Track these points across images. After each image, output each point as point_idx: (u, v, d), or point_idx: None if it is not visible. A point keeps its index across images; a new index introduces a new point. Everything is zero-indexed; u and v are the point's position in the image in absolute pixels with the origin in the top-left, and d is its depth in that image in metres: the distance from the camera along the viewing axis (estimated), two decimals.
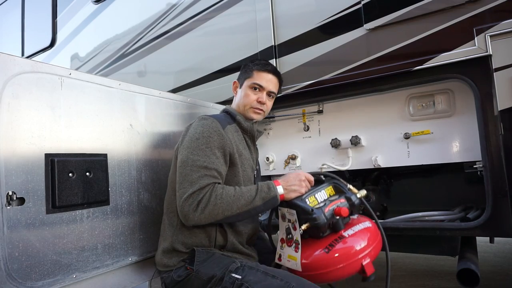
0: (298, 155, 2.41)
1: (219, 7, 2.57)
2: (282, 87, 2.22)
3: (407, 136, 2.01)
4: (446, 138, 1.93)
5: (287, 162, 2.44)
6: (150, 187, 1.71)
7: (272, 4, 2.34)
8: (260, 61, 1.77)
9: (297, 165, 2.41)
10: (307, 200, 1.42)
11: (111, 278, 1.51)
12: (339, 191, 1.52)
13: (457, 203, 2.13)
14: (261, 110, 1.72)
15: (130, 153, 1.63)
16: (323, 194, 1.49)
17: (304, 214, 1.38)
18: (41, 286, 1.22)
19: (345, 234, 1.41)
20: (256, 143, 1.82)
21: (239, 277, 1.31)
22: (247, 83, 1.72)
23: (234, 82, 1.82)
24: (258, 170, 1.85)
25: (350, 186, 1.54)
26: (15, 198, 1.17)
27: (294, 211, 1.42)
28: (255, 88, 1.70)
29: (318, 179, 1.57)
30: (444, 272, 2.99)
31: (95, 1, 3.36)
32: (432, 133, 1.95)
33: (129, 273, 1.60)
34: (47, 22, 3.79)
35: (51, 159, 1.29)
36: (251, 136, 1.73)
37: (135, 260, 1.60)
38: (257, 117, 1.72)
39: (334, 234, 1.42)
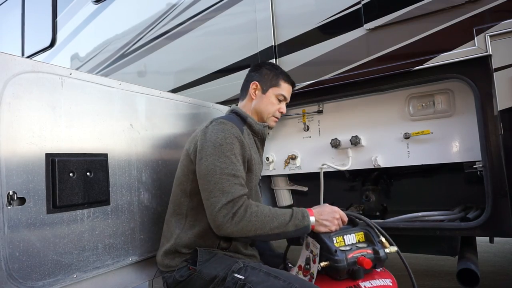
0: (298, 155, 2.42)
1: (219, 7, 2.57)
2: None
3: (407, 136, 2.02)
4: (446, 138, 1.93)
5: (287, 162, 2.44)
6: (151, 187, 1.71)
7: (272, 4, 2.34)
8: (283, 70, 1.81)
9: (297, 165, 2.41)
10: (334, 239, 1.40)
11: (111, 278, 1.51)
12: (369, 240, 1.46)
13: (457, 203, 2.13)
14: (278, 118, 1.79)
15: (130, 153, 1.63)
16: (352, 237, 1.45)
17: (327, 252, 1.36)
18: (42, 286, 1.22)
19: (362, 285, 1.36)
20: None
21: (242, 277, 1.31)
22: (273, 91, 1.73)
23: (255, 83, 1.74)
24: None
25: (382, 239, 1.45)
26: (15, 198, 1.17)
27: (319, 246, 1.40)
28: (280, 99, 1.75)
29: (352, 220, 1.54)
30: (444, 272, 2.99)
31: (95, 1, 3.36)
32: (432, 133, 1.95)
33: (130, 273, 1.60)
34: (47, 22, 3.79)
35: (51, 159, 1.29)
36: (261, 139, 1.73)
37: (136, 260, 1.60)
38: (274, 124, 1.80)
39: (351, 281, 1.37)
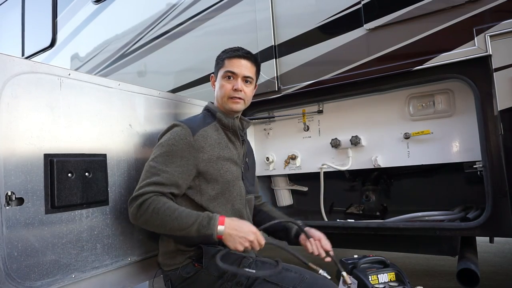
0: (298, 155, 2.41)
1: (219, 7, 2.57)
2: (282, 87, 2.25)
3: (407, 136, 2.01)
4: (446, 138, 1.93)
5: (287, 162, 2.44)
6: None
7: (272, 4, 2.33)
8: (231, 48, 1.68)
9: (297, 165, 2.41)
10: (370, 277, 1.49)
11: (110, 278, 1.51)
12: (399, 279, 1.55)
13: (457, 203, 2.12)
14: (239, 98, 1.61)
15: (129, 153, 1.63)
16: (385, 276, 1.54)
17: None
18: (40, 286, 1.22)
19: None
20: (244, 134, 1.75)
21: (253, 271, 1.31)
22: (220, 73, 1.65)
23: (211, 76, 1.75)
24: (248, 163, 1.78)
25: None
26: (14, 198, 1.18)
27: (356, 282, 1.48)
28: (228, 77, 1.62)
29: (381, 261, 1.62)
30: (444, 272, 2.98)
31: (95, 1, 3.36)
32: (432, 133, 1.95)
33: (128, 273, 1.60)
34: (47, 22, 3.79)
35: (50, 159, 1.29)
36: (233, 131, 1.64)
37: (134, 260, 1.60)
38: (236, 107, 1.62)
39: None
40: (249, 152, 1.85)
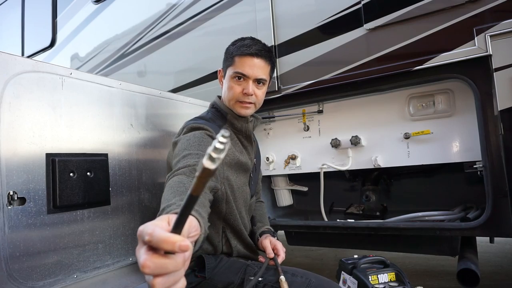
0: (298, 155, 2.41)
1: (219, 7, 2.57)
2: (282, 87, 2.25)
3: (407, 136, 2.02)
4: (446, 138, 1.93)
5: (287, 162, 2.44)
6: (151, 187, 1.71)
7: (272, 4, 2.33)
8: (243, 41, 1.47)
9: (297, 165, 2.41)
10: (370, 277, 1.50)
11: (112, 278, 1.50)
12: (399, 280, 1.56)
13: (457, 203, 2.13)
14: (250, 103, 1.45)
15: (130, 153, 1.63)
16: (385, 276, 1.55)
17: None
18: (42, 286, 1.22)
19: None
20: (254, 133, 1.63)
21: (260, 279, 1.28)
22: (229, 72, 1.46)
23: (219, 70, 1.58)
24: (257, 165, 1.69)
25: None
26: (16, 198, 1.17)
27: (356, 282, 1.49)
28: (238, 78, 1.43)
29: (381, 261, 1.62)
30: (444, 272, 2.99)
31: (95, 1, 3.36)
32: (432, 133, 1.95)
33: (130, 273, 1.59)
34: (47, 22, 3.79)
35: (52, 158, 1.29)
36: (246, 136, 1.51)
37: (136, 260, 1.59)
38: (245, 112, 1.46)
39: None
40: (258, 152, 1.75)
